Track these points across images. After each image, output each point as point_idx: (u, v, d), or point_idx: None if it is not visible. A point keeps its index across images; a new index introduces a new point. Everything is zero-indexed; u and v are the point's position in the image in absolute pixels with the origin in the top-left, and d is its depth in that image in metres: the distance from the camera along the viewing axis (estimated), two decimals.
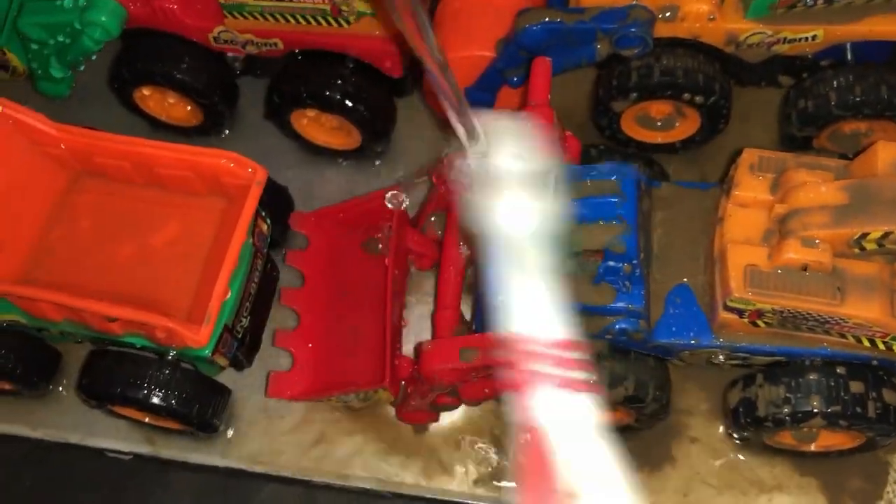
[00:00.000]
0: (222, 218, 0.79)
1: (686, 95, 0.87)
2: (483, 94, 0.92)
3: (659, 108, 0.92)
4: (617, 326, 0.72)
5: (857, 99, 0.84)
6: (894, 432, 0.75)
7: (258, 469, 0.87)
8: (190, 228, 0.80)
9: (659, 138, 0.94)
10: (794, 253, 0.66)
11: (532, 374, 0.54)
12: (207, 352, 0.76)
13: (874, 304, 0.66)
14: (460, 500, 0.85)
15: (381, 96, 0.95)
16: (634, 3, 0.83)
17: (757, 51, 0.87)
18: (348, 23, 0.88)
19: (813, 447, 0.80)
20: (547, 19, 0.84)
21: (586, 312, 0.72)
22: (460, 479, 0.85)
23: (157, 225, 0.81)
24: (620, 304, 0.71)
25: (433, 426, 0.87)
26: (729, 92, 0.89)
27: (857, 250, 0.66)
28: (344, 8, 0.87)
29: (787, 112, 0.90)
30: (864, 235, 0.65)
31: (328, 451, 0.87)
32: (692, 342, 0.73)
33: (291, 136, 1.00)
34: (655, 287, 0.75)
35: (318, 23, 0.89)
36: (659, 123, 0.94)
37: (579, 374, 0.54)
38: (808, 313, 0.67)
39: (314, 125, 0.98)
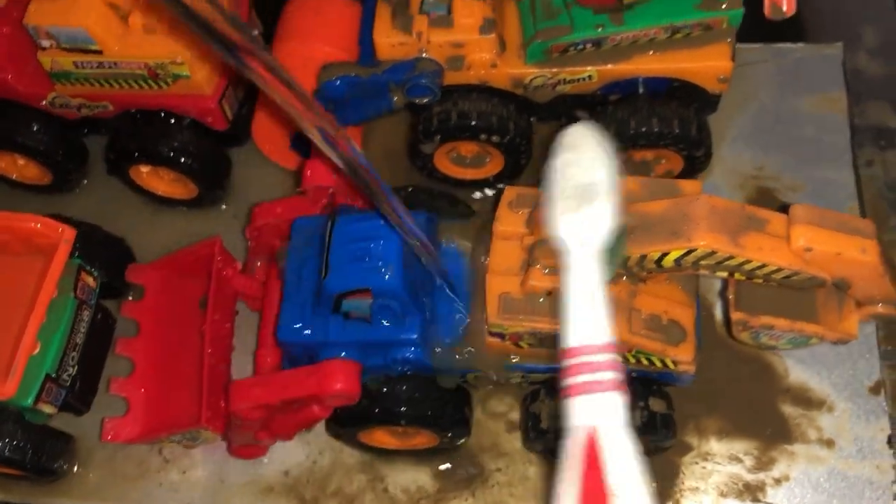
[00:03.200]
0: (40, 275, 0.85)
1: (483, 136, 0.94)
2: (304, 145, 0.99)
3: (467, 148, 0.99)
4: (399, 356, 0.78)
5: (632, 131, 0.91)
6: (666, 438, 0.82)
7: None
8: (11, 286, 0.85)
9: (469, 175, 1.01)
10: (535, 280, 0.73)
11: (591, 381, 0.56)
12: (29, 401, 0.81)
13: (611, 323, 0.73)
14: None
15: (210, 148, 1.01)
16: (421, 56, 0.90)
17: (544, 91, 0.94)
18: (167, 84, 0.95)
19: None
20: (344, 74, 0.91)
21: (371, 346, 0.78)
22: None
23: None
24: (398, 336, 0.77)
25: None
26: (525, 130, 0.96)
27: None
28: (160, 72, 0.93)
29: None
30: None
31: (175, 486, 0.92)
32: (469, 367, 0.80)
33: (135, 189, 1.06)
34: (445, 315, 0.81)
35: (140, 86, 0.95)
36: (468, 161, 1.01)
37: (619, 375, 0.57)
38: (556, 334, 0.74)
39: (154, 177, 1.04)
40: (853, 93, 1.07)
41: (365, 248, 0.75)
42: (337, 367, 0.77)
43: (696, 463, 0.89)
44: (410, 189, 0.95)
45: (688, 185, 0.75)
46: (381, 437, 0.87)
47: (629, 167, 0.97)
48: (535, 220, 0.77)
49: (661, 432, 0.81)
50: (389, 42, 0.90)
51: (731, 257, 0.68)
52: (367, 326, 0.77)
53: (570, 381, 0.57)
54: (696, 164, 0.95)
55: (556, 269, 0.72)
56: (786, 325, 0.72)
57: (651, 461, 0.86)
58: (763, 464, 0.88)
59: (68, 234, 0.81)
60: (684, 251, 0.67)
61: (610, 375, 0.56)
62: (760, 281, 0.71)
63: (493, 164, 1.00)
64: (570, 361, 0.58)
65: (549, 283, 0.72)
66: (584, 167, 0.65)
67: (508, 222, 0.78)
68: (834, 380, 0.91)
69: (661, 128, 0.91)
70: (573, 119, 0.99)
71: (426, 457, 0.90)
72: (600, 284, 0.61)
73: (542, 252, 0.73)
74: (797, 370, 0.92)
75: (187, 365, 0.91)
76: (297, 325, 0.78)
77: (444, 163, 1.01)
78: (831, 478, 0.87)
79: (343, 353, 0.78)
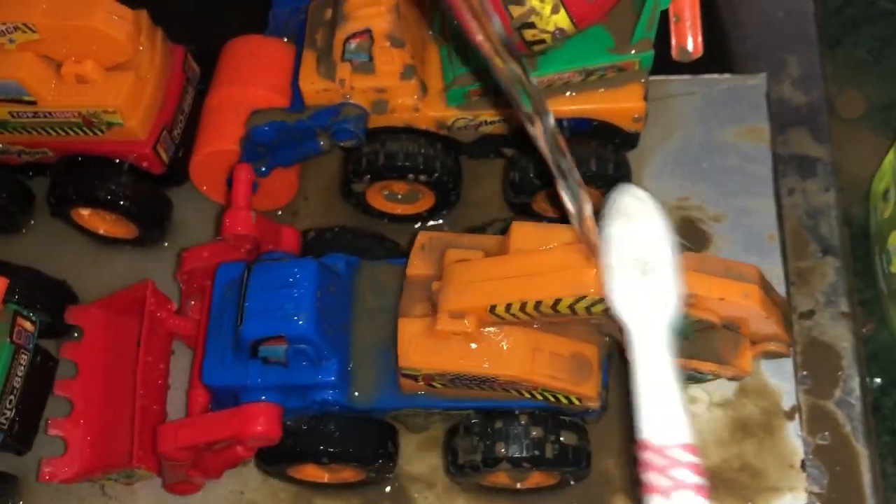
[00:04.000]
0: None
1: (410, 176, 0.97)
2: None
3: (398, 186, 1.02)
4: (317, 398, 0.81)
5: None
6: (579, 470, 0.85)
7: None
8: None
9: (399, 210, 1.04)
10: (442, 325, 0.75)
11: (674, 482, 0.55)
12: None
13: (515, 364, 0.76)
14: None
15: (148, 190, 1.04)
16: (345, 101, 0.93)
17: (468, 132, 0.97)
18: (101, 131, 0.97)
19: (519, 485, 0.89)
20: (271, 119, 0.94)
21: (290, 389, 0.81)
22: None
23: None
24: (316, 379, 0.80)
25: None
26: (453, 168, 0.99)
27: (497, 319, 0.76)
28: (94, 120, 0.96)
29: (503, 182, 1.01)
30: (494, 307, 0.74)
31: None
32: (388, 405, 0.83)
33: (79, 230, 1.09)
34: (364, 357, 0.84)
35: (76, 133, 0.98)
36: (400, 197, 1.04)
37: (702, 479, 0.55)
38: (465, 375, 0.77)
39: (95, 218, 1.07)
40: (777, 122, 1.10)
41: (279, 295, 0.78)
42: (257, 410, 0.80)
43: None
44: (337, 229, 0.98)
45: None
46: (311, 472, 0.90)
47: (553, 205, 1.01)
48: (442, 264, 0.80)
49: (573, 464, 0.84)
50: (314, 88, 0.93)
51: None
52: (285, 370, 0.80)
53: (652, 479, 0.55)
54: None
55: (460, 314, 0.75)
56: (681, 364, 0.75)
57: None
58: None
59: (0, 283, 0.84)
60: (575, 298, 0.70)
61: (694, 480, 0.55)
62: None
63: (425, 200, 1.03)
64: (650, 458, 0.56)
65: (456, 326, 0.75)
66: (643, 237, 0.62)
67: (420, 266, 0.81)
68: (751, 406, 0.95)
69: (579, 167, 0.93)
70: (501, 156, 1.03)
71: (358, 486, 0.93)
72: (672, 368, 0.58)
73: (446, 298, 0.76)
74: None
75: (124, 405, 0.93)
76: (219, 370, 0.81)
77: (378, 200, 1.04)
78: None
79: (264, 397, 0.80)
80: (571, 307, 0.71)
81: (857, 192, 1.06)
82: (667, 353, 0.59)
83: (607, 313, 0.71)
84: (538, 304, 0.72)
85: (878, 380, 0.97)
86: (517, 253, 0.76)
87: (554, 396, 0.79)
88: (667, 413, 0.57)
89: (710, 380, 0.79)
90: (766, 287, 0.72)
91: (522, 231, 0.78)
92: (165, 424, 0.83)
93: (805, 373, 0.96)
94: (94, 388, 0.96)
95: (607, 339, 0.80)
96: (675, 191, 1.07)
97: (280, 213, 1.09)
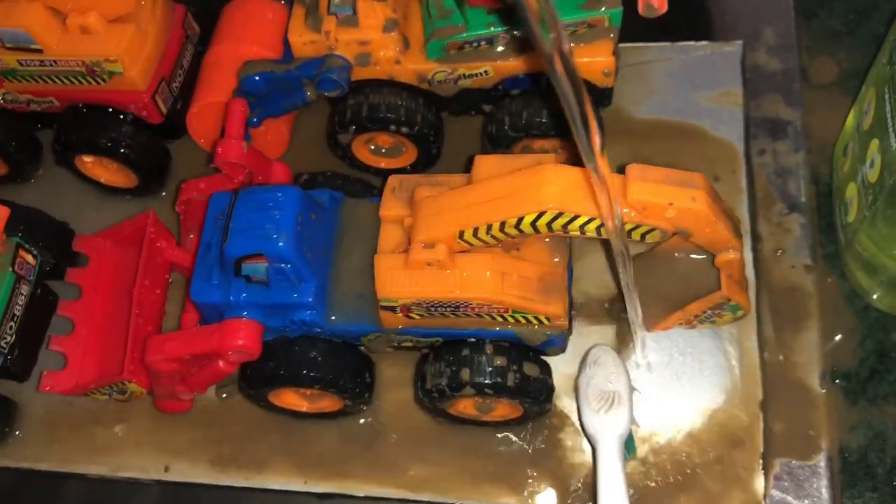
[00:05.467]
0: None
1: (392, 127, 1.02)
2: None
3: (383, 139, 1.07)
4: (296, 317, 0.86)
5: (524, 122, 0.99)
6: (538, 402, 0.89)
7: (43, 467, 1.01)
8: None
9: (383, 163, 1.10)
10: (415, 255, 0.80)
11: None
12: None
13: (486, 286, 0.80)
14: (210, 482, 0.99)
15: (148, 140, 1.10)
16: (330, 53, 0.99)
17: (447, 86, 1.02)
18: (104, 80, 1.03)
19: (485, 417, 0.94)
20: (261, 70, 1.00)
21: (271, 308, 0.86)
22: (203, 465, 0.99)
23: None
24: (293, 299, 0.85)
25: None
26: (434, 122, 1.04)
27: (466, 245, 0.80)
28: (96, 69, 1.02)
29: (481, 135, 1.05)
30: (462, 233, 0.79)
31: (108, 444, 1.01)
32: (363, 329, 0.88)
33: (82, 178, 1.15)
34: (343, 283, 0.89)
35: (80, 82, 1.04)
36: (384, 151, 1.09)
37: None
38: (439, 302, 0.82)
39: (98, 167, 1.13)
40: (751, 87, 1.14)
41: (261, 216, 0.83)
42: (238, 325, 0.85)
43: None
44: (329, 174, 1.03)
45: (545, 157, 0.83)
46: (291, 399, 0.95)
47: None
48: (413, 201, 0.84)
49: (533, 395, 0.88)
50: (301, 41, 0.99)
51: (577, 217, 0.76)
52: (266, 289, 0.85)
53: None
54: None
55: (431, 244, 0.80)
56: (683, 318, 0.86)
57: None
58: None
59: (2, 212, 0.90)
60: (536, 214, 0.75)
61: None
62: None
63: (409, 155, 1.08)
64: None
65: (428, 255, 0.80)
66: (606, 378, 0.90)
67: (392, 207, 0.86)
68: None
69: (550, 118, 0.98)
70: (482, 113, 1.08)
71: (334, 417, 0.98)
72: (622, 468, 0.86)
73: (417, 230, 0.81)
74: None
75: (122, 326, 0.99)
76: (206, 287, 0.86)
77: (363, 152, 1.09)
78: None
79: (245, 313, 0.86)
80: (533, 224, 0.76)
81: (826, 153, 1.09)
82: (620, 458, 0.87)
83: (566, 227, 0.76)
84: (503, 224, 0.77)
85: (838, 336, 1.01)
86: (480, 181, 0.81)
87: (524, 318, 0.83)
88: (618, 498, 0.85)
89: (721, 321, 0.86)
90: (712, 194, 0.76)
91: (485, 162, 0.83)
92: (154, 336, 0.89)
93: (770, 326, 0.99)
94: (94, 310, 1.02)
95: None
96: (647, 151, 1.11)
97: None
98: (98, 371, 0.98)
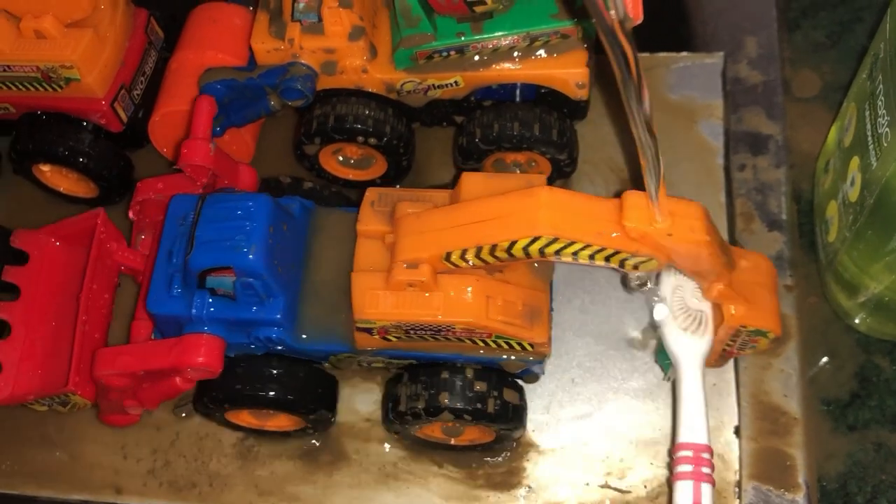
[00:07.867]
0: None
1: (360, 138, 0.99)
2: None
3: (351, 150, 1.04)
4: (262, 335, 0.82)
5: (495, 134, 0.96)
6: (515, 428, 0.86)
7: None
8: None
9: (351, 175, 1.06)
10: (397, 275, 0.76)
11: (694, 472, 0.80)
12: None
13: (470, 310, 0.77)
14: None
15: (107, 149, 1.06)
16: (294, 61, 0.95)
17: (416, 96, 0.99)
18: (60, 87, 1.00)
19: (454, 441, 0.90)
20: (222, 77, 0.96)
21: (235, 323, 0.82)
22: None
23: None
24: (261, 315, 0.81)
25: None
26: (404, 133, 1.00)
27: (451, 266, 0.76)
28: (52, 75, 0.98)
29: (452, 148, 1.02)
30: (449, 255, 0.75)
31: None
32: (335, 349, 0.84)
33: (41, 187, 1.11)
34: (313, 299, 0.85)
35: (36, 88, 1.00)
36: (353, 162, 1.05)
37: (712, 471, 0.80)
38: (420, 325, 0.78)
39: (57, 176, 1.09)
40: (732, 101, 1.11)
41: (230, 226, 0.78)
42: (199, 341, 0.81)
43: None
44: (296, 179, 0.98)
45: (535, 178, 0.80)
46: (249, 417, 0.91)
47: (501, 169, 1.02)
48: (393, 217, 0.81)
49: (512, 422, 0.85)
50: (265, 48, 0.95)
51: (572, 243, 0.72)
52: (231, 304, 0.81)
53: (679, 469, 0.80)
54: (561, 167, 0.99)
55: (414, 264, 0.76)
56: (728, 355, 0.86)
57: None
58: None
59: None
60: (530, 239, 0.72)
61: (707, 471, 0.80)
62: (603, 264, 0.75)
63: (378, 166, 1.05)
64: (680, 453, 0.81)
65: (411, 276, 0.76)
66: (692, 294, 0.84)
67: (370, 222, 0.82)
68: None
69: (522, 131, 0.95)
70: (453, 124, 1.05)
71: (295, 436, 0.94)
72: (704, 390, 0.82)
73: (400, 249, 0.77)
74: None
75: (65, 332, 0.94)
76: (165, 298, 0.82)
77: (332, 164, 1.05)
78: None
79: (207, 328, 0.81)
80: (525, 249, 0.72)
81: (809, 169, 1.06)
82: (702, 379, 0.83)
83: (559, 253, 0.73)
84: (493, 248, 0.73)
85: (822, 360, 0.98)
86: (469, 201, 0.77)
87: (507, 343, 0.80)
88: (698, 423, 0.82)
89: (761, 346, 0.85)
90: (710, 224, 0.73)
91: (472, 181, 0.79)
92: (104, 349, 0.84)
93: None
94: (34, 312, 0.96)
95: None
96: (625, 164, 1.08)
97: None
98: (38, 380, 0.92)
